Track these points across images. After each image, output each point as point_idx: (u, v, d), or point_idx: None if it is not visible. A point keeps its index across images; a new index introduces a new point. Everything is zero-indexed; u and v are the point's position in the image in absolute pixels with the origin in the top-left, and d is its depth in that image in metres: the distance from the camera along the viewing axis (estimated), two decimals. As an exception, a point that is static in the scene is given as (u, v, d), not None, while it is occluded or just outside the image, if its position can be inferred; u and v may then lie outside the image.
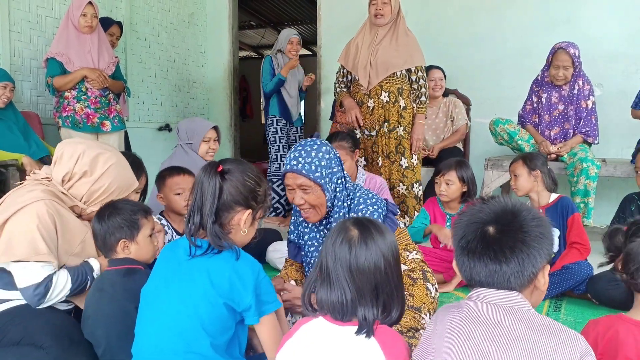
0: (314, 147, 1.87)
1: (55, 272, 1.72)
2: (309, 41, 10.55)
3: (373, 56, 3.42)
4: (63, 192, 1.84)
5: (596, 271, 2.54)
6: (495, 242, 1.09)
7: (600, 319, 1.41)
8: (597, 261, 2.52)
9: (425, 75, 3.56)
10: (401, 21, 3.50)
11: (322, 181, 1.84)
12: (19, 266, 1.67)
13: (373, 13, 3.44)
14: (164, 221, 2.49)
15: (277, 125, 4.61)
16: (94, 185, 1.86)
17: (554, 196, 2.80)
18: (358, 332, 1.17)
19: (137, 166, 2.31)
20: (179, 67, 5.63)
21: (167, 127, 5.39)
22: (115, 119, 3.73)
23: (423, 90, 3.52)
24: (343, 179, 1.95)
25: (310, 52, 11.24)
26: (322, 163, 1.85)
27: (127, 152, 2.35)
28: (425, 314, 1.84)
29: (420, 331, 1.81)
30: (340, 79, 3.66)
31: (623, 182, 3.98)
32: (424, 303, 1.85)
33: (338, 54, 5.26)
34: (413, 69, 3.47)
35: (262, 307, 1.43)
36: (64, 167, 1.86)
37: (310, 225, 2.03)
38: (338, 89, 3.67)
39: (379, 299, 1.21)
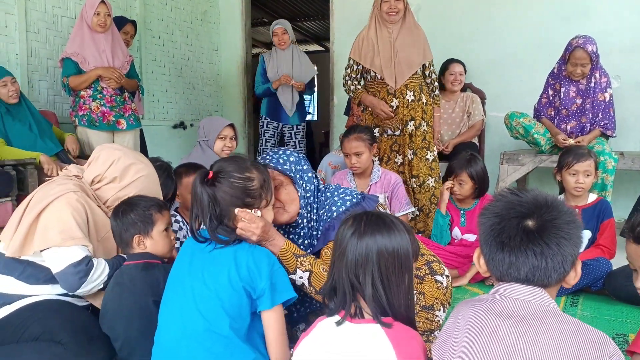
0: (281, 149, 1.90)
1: (93, 256, 1.77)
2: (321, 37, 10.54)
3: (395, 55, 3.40)
4: (91, 192, 1.91)
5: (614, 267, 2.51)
6: (540, 237, 1.05)
7: None
8: (618, 260, 2.50)
9: (434, 68, 3.57)
10: (409, 14, 3.47)
11: (292, 174, 1.81)
12: (55, 251, 1.71)
13: (386, 10, 3.39)
14: (178, 217, 2.51)
15: (268, 126, 4.72)
16: (120, 191, 1.93)
17: (592, 197, 2.75)
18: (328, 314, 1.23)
19: (169, 175, 2.35)
20: (192, 64, 5.66)
21: (181, 125, 5.43)
22: (130, 117, 3.77)
23: (436, 84, 3.56)
24: (315, 180, 1.90)
25: (322, 48, 11.23)
26: (291, 159, 1.85)
27: (162, 162, 2.36)
28: (439, 309, 1.82)
29: (436, 333, 1.79)
30: (353, 75, 3.57)
31: (642, 176, 3.93)
32: (436, 299, 1.82)
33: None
34: (427, 64, 3.48)
35: (276, 295, 1.47)
36: (97, 169, 1.94)
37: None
38: (352, 87, 3.57)
39: (357, 291, 1.22)
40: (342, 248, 1.23)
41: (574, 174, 2.66)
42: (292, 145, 4.75)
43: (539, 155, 3.74)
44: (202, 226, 1.57)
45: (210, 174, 1.53)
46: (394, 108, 3.40)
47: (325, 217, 1.85)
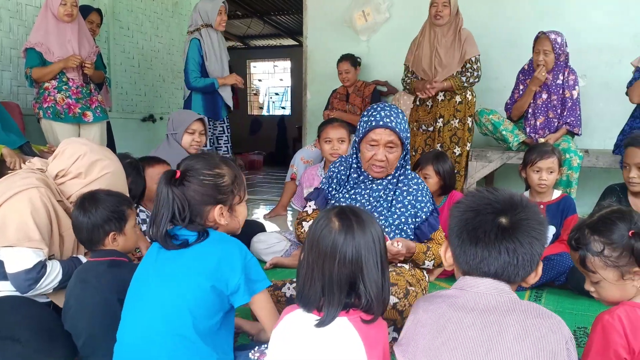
0: (399, 111, 2.02)
1: (47, 260, 1.72)
2: (295, 31, 10.50)
3: (435, 58, 3.72)
4: (54, 187, 1.87)
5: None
6: (515, 234, 1.07)
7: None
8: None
9: (474, 65, 3.76)
10: (459, 21, 3.73)
11: (406, 141, 2.03)
12: (9, 251, 1.67)
13: (433, 14, 3.70)
14: (143, 210, 2.50)
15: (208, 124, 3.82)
16: (84, 188, 1.88)
17: (556, 194, 2.80)
18: (318, 324, 1.19)
19: (139, 173, 2.33)
20: (163, 57, 5.57)
21: (151, 118, 5.35)
22: (97, 109, 3.69)
23: (471, 80, 3.76)
24: (408, 146, 2.10)
25: (296, 42, 11.19)
26: (406, 126, 2.01)
27: (131, 159, 2.33)
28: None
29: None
30: (407, 80, 3.98)
31: (605, 173, 4.03)
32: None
33: (324, 44, 5.30)
34: (465, 63, 3.73)
35: (253, 285, 1.44)
36: (62, 163, 1.90)
37: (361, 182, 2.13)
38: (408, 81, 3.98)
39: (351, 291, 1.21)
40: (336, 251, 1.20)
41: (537, 171, 2.71)
42: (225, 141, 4.23)
43: (507, 152, 3.80)
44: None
45: (178, 174, 1.47)
46: (429, 107, 3.83)
47: (417, 196, 2.08)
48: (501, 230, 1.08)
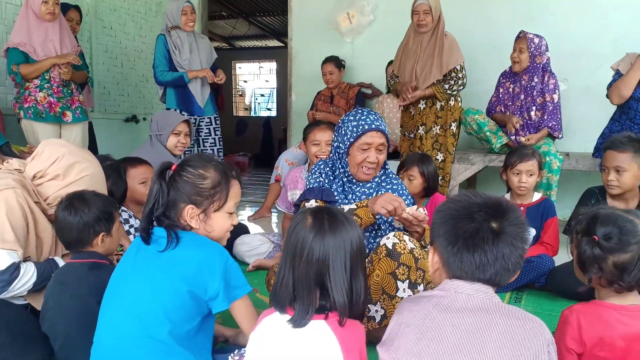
0: (381, 117, 2.12)
1: (22, 262, 1.70)
2: (280, 32, 10.49)
3: (417, 66, 3.73)
4: (32, 188, 1.85)
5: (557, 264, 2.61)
6: (507, 238, 1.10)
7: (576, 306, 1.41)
8: (561, 257, 2.59)
9: (459, 73, 3.72)
10: (441, 26, 3.69)
11: (389, 143, 2.10)
12: None
13: (415, 22, 3.68)
14: (126, 210, 2.48)
15: None
16: (62, 190, 1.86)
17: (536, 196, 2.83)
18: (290, 321, 1.20)
19: (120, 175, 2.31)
20: (146, 57, 5.52)
21: (134, 119, 5.30)
22: (77, 109, 3.64)
23: (455, 88, 3.72)
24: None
25: (282, 44, 11.18)
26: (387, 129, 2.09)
27: (112, 161, 2.31)
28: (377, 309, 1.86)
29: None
30: (390, 82, 4.10)
31: (585, 176, 4.08)
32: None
33: (309, 46, 5.31)
34: (448, 72, 3.69)
35: (232, 292, 1.43)
36: (40, 164, 1.88)
37: (350, 184, 2.16)
38: (392, 83, 4.08)
39: (323, 291, 1.22)
40: (304, 248, 1.22)
41: (517, 174, 2.74)
42: (212, 144, 4.28)
43: (489, 154, 3.84)
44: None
45: (173, 167, 1.49)
46: (412, 114, 3.86)
47: (399, 192, 2.15)
48: (497, 236, 1.09)
